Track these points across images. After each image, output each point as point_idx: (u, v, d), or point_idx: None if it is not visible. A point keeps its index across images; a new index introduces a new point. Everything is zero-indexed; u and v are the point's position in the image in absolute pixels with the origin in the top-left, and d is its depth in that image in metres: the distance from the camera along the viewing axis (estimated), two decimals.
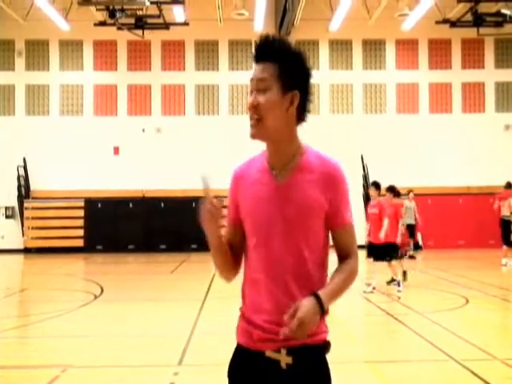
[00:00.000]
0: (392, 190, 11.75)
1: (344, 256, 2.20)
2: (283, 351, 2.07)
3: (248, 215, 2.18)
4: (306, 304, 1.96)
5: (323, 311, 2.00)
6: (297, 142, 2.17)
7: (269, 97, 2.07)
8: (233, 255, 2.26)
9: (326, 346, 2.15)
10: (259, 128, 2.10)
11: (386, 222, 10.57)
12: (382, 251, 10.71)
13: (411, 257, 16.99)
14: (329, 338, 2.18)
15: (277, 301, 2.08)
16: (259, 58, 2.12)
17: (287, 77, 2.08)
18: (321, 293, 2.02)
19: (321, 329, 2.12)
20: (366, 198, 21.14)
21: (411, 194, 17.55)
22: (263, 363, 2.09)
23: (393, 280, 11.13)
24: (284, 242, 2.09)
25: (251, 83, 2.12)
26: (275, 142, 2.13)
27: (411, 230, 17.37)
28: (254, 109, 2.08)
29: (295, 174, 2.13)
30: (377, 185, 11.25)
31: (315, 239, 2.12)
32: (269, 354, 2.08)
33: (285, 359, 2.07)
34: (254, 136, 2.12)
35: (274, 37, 2.13)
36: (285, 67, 2.08)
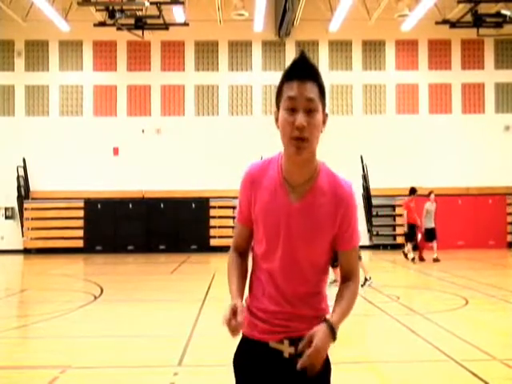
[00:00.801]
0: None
1: (346, 277, 2.29)
2: (286, 342, 2.19)
3: (260, 223, 2.23)
4: (321, 332, 2.06)
5: (334, 338, 2.11)
6: (316, 161, 2.23)
7: (318, 118, 2.11)
8: (243, 262, 2.37)
9: None
10: (307, 148, 2.12)
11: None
12: None
13: (421, 259, 16.39)
14: None
15: (281, 296, 2.21)
16: (305, 75, 2.11)
17: (324, 98, 2.15)
18: (333, 321, 2.12)
19: (321, 321, 2.20)
20: (367, 198, 21.16)
21: (432, 196, 16.43)
22: (267, 353, 2.21)
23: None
24: (290, 254, 2.19)
25: (294, 101, 2.09)
26: (307, 161, 2.17)
27: (430, 234, 16.27)
28: (303, 129, 2.08)
29: (309, 196, 2.18)
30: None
31: (321, 257, 2.23)
32: (272, 344, 2.21)
33: (287, 349, 2.19)
34: (302, 156, 2.13)
35: (307, 55, 2.16)
36: (322, 88, 2.15)
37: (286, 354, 2.19)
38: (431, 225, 16.20)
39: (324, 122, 2.16)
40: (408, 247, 16.52)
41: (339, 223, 2.19)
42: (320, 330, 2.06)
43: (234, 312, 2.08)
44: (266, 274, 2.25)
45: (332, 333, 2.08)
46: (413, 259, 16.16)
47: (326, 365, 2.21)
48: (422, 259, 16.38)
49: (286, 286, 2.21)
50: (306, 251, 2.18)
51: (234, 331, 2.06)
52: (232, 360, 2.33)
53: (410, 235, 16.43)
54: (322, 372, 2.17)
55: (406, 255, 16.64)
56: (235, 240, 2.38)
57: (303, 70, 2.11)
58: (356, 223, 2.25)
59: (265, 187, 2.21)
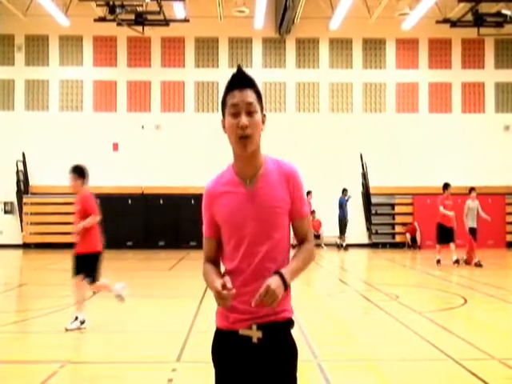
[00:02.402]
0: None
1: (302, 241, 2.62)
2: (254, 327, 2.43)
3: (225, 222, 2.52)
4: (272, 279, 2.34)
5: (286, 285, 2.38)
6: (261, 154, 2.56)
7: (257, 118, 2.48)
8: (217, 267, 2.60)
9: (290, 322, 2.53)
10: (251, 143, 2.45)
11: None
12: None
13: (477, 264, 14.66)
14: (293, 317, 2.53)
15: (250, 285, 2.42)
16: (243, 85, 2.48)
17: (260, 101, 2.53)
18: (283, 271, 2.40)
19: (285, 308, 2.50)
20: (366, 196, 21.17)
21: (474, 193, 15.19)
22: (237, 341, 2.45)
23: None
24: (256, 237, 2.46)
25: (236, 106, 2.44)
26: (253, 155, 2.50)
27: (474, 233, 15.00)
28: (246, 128, 2.43)
29: (260, 181, 2.50)
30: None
31: (282, 231, 2.50)
32: (242, 331, 2.44)
33: (255, 334, 2.42)
34: (248, 151, 2.46)
35: (242, 69, 2.54)
36: (258, 93, 2.52)
37: (255, 339, 2.42)
38: (473, 224, 14.95)
39: (263, 122, 2.51)
40: (437, 248, 15.15)
41: (291, 195, 2.51)
42: (272, 278, 2.34)
43: (223, 286, 2.31)
44: (236, 268, 2.47)
45: (283, 281, 2.35)
46: (438, 262, 14.80)
47: (292, 350, 2.49)
48: (468, 263, 14.93)
49: (252, 270, 2.44)
50: (270, 229, 2.46)
51: (225, 300, 2.30)
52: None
53: (446, 237, 14.80)
54: (288, 357, 2.46)
55: (457, 261, 14.80)
56: (205, 253, 2.64)
57: (241, 80, 2.48)
58: (303, 195, 2.59)
59: (223, 191, 2.53)
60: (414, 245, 20.67)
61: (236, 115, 2.44)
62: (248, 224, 2.46)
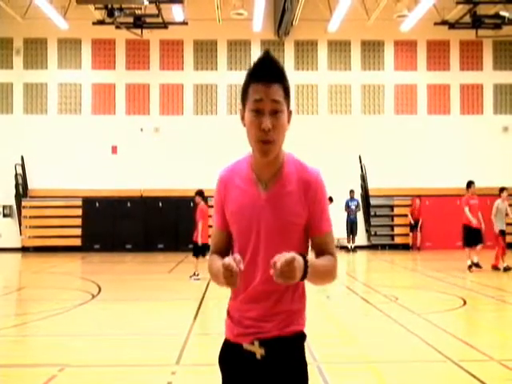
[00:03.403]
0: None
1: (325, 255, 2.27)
2: (256, 343, 2.22)
3: (234, 222, 2.26)
4: (297, 256, 1.96)
5: (305, 274, 2.02)
6: (282, 153, 2.24)
7: (283, 119, 2.15)
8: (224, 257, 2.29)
9: (299, 337, 2.26)
10: (273, 149, 2.15)
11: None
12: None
13: (506, 269, 13.66)
14: (305, 330, 2.29)
15: (254, 300, 2.22)
16: (269, 78, 2.12)
17: (288, 97, 2.19)
18: (309, 258, 2.06)
19: (294, 320, 2.24)
20: (365, 198, 21.17)
21: (505, 193, 14.02)
22: (242, 355, 2.24)
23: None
24: (264, 247, 2.19)
25: (260, 103, 2.11)
26: (273, 159, 2.20)
27: (504, 236, 13.99)
28: (269, 132, 2.11)
29: (277, 186, 2.21)
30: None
31: (293, 246, 2.13)
32: (245, 346, 2.24)
33: (258, 351, 2.21)
34: (268, 158, 2.16)
35: (272, 55, 2.16)
36: (286, 88, 2.17)
37: (258, 356, 2.21)
38: (503, 226, 13.83)
39: (289, 120, 2.20)
40: (467, 252, 14.01)
41: (309, 208, 2.20)
42: (296, 255, 1.96)
43: (233, 259, 2.01)
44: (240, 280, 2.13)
45: (305, 265, 2.01)
46: (470, 267, 13.68)
47: (301, 366, 2.24)
48: (496, 267, 13.92)
49: (255, 284, 2.20)
50: (279, 244, 2.14)
51: (232, 275, 1.98)
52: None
53: (474, 239, 13.77)
54: (295, 377, 2.21)
55: (475, 264, 13.83)
56: (213, 245, 2.38)
57: (269, 72, 2.13)
58: (326, 209, 2.26)
59: (237, 186, 2.25)
60: (415, 228, 20.67)
61: (258, 113, 2.12)
62: (256, 233, 2.20)
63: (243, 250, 2.22)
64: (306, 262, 2.02)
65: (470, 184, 14.23)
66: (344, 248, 20.29)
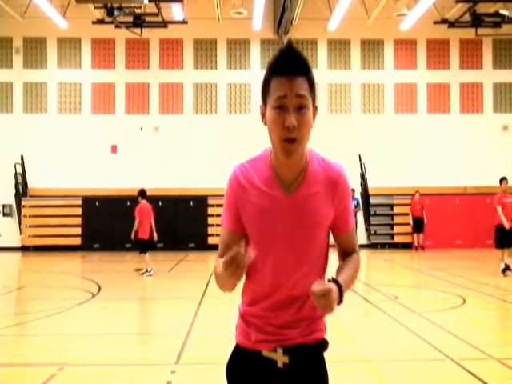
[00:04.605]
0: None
1: (349, 253, 2.21)
2: (279, 350, 2.07)
3: (253, 226, 2.08)
4: (333, 285, 1.90)
5: (341, 300, 1.96)
6: (305, 151, 2.09)
7: (308, 115, 1.99)
8: None
9: (323, 344, 2.15)
10: (298, 149, 1.99)
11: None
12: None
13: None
14: (326, 336, 2.20)
15: (278, 308, 2.10)
16: (294, 70, 1.96)
17: (314, 91, 2.01)
18: (341, 282, 1.96)
19: (317, 327, 2.14)
20: (365, 197, 21.16)
21: None
22: (261, 363, 2.09)
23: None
24: (289, 253, 2.06)
25: (283, 99, 1.94)
26: (297, 160, 2.05)
27: None
28: (294, 129, 1.95)
29: (303, 187, 2.06)
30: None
31: (319, 249, 2.11)
32: (265, 353, 2.09)
33: (281, 358, 2.07)
34: (293, 159, 2.00)
35: (295, 46, 2.00)
36: (312, 82, 2.01)
37: (280, 364, 2.07)
38: None
39: (314, 117, 2.05)
40: (499, 255, 13.02)
41: (336, 207, 2.09)
42: (331, 285, 1.89)
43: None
44: (258, 277, 2.10)
45: (340, 293, 1.93)
46: (504, 270, 12.67)
47: (323, 374, 2.14)
48: None
49: (280, 292, 2.08)
50: (305, 245, 2.06)
51: (240, 269, 1.82)
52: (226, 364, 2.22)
53: (507, 240, 12.70)
54: (318, 381, 2.12)
55: (507, 269, 12.69)
56: (223, 247, 2.13)
57: (293, 65, 1.96)
58: (350, 204, 2.18)
59: (256, 187, 2.07)
60: (418, 227, 20.03)
61: (282, 109, 1.95)
62: (280, 236, 2.05)
63: (264, 256, 2.05)
64: (340, 287, 1.95)
65: (502, 180, 13.26)
66: None
